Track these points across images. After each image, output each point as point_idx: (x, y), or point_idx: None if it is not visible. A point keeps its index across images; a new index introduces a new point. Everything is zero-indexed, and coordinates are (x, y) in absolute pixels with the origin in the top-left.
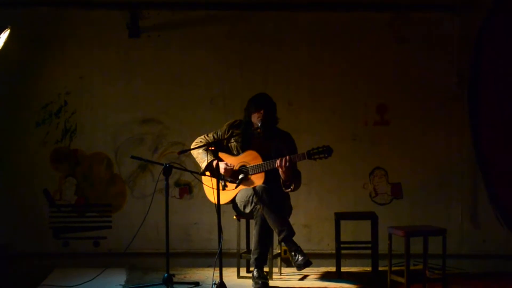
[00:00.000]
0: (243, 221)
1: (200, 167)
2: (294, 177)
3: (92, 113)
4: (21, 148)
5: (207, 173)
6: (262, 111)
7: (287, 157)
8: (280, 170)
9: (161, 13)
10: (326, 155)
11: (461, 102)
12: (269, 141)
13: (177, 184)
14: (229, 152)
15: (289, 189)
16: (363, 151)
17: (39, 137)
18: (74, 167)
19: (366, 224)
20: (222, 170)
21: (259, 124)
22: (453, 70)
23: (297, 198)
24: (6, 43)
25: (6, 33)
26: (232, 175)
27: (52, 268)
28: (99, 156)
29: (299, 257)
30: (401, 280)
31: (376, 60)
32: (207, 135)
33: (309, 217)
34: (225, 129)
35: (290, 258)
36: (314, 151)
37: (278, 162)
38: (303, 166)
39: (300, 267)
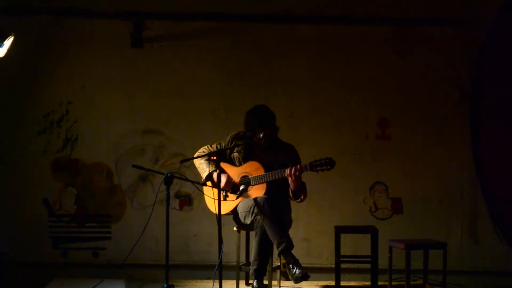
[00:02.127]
0: (243, 233)
1: (201, 177)
2: (303, 186)
3: (94, 122)
4: (21, 156)
5: (208, 183)
6: (267, 129)
7: (298, 166)
8: (290, 179)
9: (164, 24)
10: (328, 167)
11: (462, 118)
12: (272, 152)
13: (177, 195)
14: (232, 163)
15: (299, 200)
16: (363, 165)
17: (40, 146)
18: (74, 176)
19: (366, 239)
20: (222, 184)
21: (261, 135)
22: (455, 85)
23: (297, 211)
24: (9, 50)
25: (9, 41)
26: (232, 188)
27: (50, 278)
28: (99, 166)
29: (297, 270)
30: None
31: (378, 74)
32: (211, 146)
33: (309, 230)
34: (229, 140)
35: (288, 271)
36: (317, 162)
37: (288, 171)
38: (304, 179)
39: (297, 279)
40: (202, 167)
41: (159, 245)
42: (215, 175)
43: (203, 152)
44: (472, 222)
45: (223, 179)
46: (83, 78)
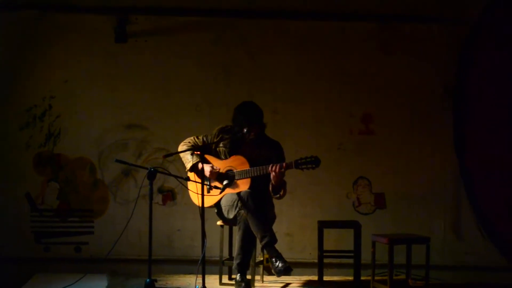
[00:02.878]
0: (226, 227)
1: (185, 168)
2: (283, 183)
3: (77, 117)
4: (3, 151)
5: (192, 175)
6: (256, 126)
7: (283, 164)
8: (272, 174)
9: (148, 19)
10: (314, 165)
11: (446, 114)
12: (258, 148)
13: (160, 190)
14: (217, 156)
15: (278, 195)
16: (347, 161)
17: (22, 141)
18: (57, 171)
19: (349, 234)
20: (207, 173)
21: (245, 130)
22: (439, 81)
23: (280, 206)
24: None
25: None
26: (217, 178)
27: (33, 273)
28: (82, 161)
29: (280, 264)
30: None
31: (362, 69)
32: (197, 137)
33: (292, 225)
34: (215, 133)
35: (271, 265)
36: (302, 161)
37: (271, 167)
38: (287, 174)
39: (280, 273)
40: (187, 157)
41: (142, 240)
42: (199, 165)
43: (189, 142)
44: (455, 217)
45: (207, 168)
46: (66, 73)
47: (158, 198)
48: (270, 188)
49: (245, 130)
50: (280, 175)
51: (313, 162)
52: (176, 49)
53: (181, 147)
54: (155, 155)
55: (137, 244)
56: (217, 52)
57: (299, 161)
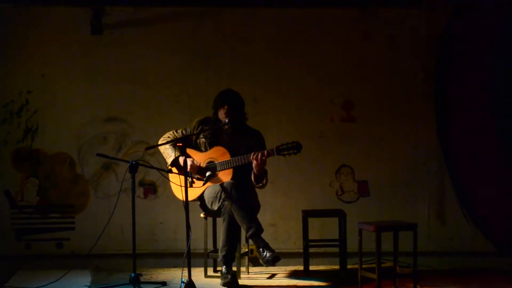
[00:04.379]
0: (210, 220)
1: (166, 163)
2: (264, 172)
3: (54, 112)
4: None
5: (174, 169)
6: (226, 107)
7: (265, 151)
8: (254, 163)
9: (124, 10)
10: (295, 151)
11: (428, 99)
12: (238, 137)
13: (141, 183)
14: (198, 148)
15: (260, 184)
16: (329, 149)
17: None
18: (36, 167)
19: (333, 222)
20: (188, 168)
21: (226, 121)
22: (420, 66)
23: (263, 196)
24: None
25: None
26: (199, 172)
27: (15, 270)
28: (61, 156)
29: (267, 253)
30: (372, 276)
31: (342, 56)
32: (176, 131)
33: (276, 215)
34: (195, 125)
35: (258, 255)
36: (283, 147)
37: (252, 155)
38: (269, 163)
39: (268, 262)
40: (168, 152)
41: (125, 234)
42: (181, 160)
43: (168, 137)
44: (439, 203)
45: (188, 163)
46: (42, 67)
47: (139, 191)
48: (252, 178)
49: (219, 114)
50: (262, 163)
51: (294, 148)
52: (153, 40)
53: (160, 143)
54: (135, 148)
55: (119, 238)
56: (195, 42)
57: (280, 147)
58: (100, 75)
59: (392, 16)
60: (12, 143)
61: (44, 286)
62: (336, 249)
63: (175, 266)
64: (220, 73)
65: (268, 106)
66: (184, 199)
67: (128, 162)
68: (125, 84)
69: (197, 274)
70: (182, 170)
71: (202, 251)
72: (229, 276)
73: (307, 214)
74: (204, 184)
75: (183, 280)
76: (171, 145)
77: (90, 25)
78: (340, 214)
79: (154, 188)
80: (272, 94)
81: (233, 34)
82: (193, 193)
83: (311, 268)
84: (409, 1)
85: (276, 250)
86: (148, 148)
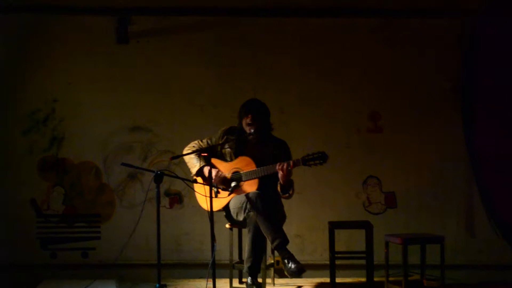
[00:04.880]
0: (235, 230)
1: (190, 173)
2: (291, 182)
3: (80, 121)
4: (7, 157)
5: (199, 179)
6: (250, 116)
7: (290, 161)
8: (280, 173)
9: (150, 19)
10: (321, 161)
11: (455, 109)
12: (263, 147)
13: (167, 193)
14: (223, 158)
15: (287, 194)
16: (355, 160)
17: (26, 146)
18: (62, 176)
19: (360, 234)
20: (213, 178)
21: (251, 130)
22: (447, 76)
23: (289, 207)
24: None
25: None
26: (224, 183)
27: (39, 280)
28: (87, 165)
29: (292, 265)
30: None
31: (368, 66)
32: (201, 141)
33: (302, 226)
34: (220, 135)
35: (283, 266)
36: (310, 157)
37: (278, 165)
38: (296, 174)
39: (293, 274)
40: (192, 162)
41: (150, 244)
42: (205, 170)
43: (193, 147)
44: (468, 215)
45: (213, 173)
46: (68, 76)
47: (165, 201)
48: (279, 188)
49: (243, 124)
50: (288, 174)
51: (320, 158)
52: (179, 49)
53: (185, 152)
54: (160, 158)
55: (144, 248)
56: (220, 51)
57: (306, 158)
58: (126, 84)
59: (418, 26)
60: (38, 152)
61: None
62: (363, 261)
63: (201, 277)
64: (245, 83)
65: (294, 116)
66: (209, 209)
67: (153, 172)
68: (151, 93)
69: (223, 285)
70: (207, 180)
71: (228, 262)
72: None
73: (333, 226)
74: (229, 195)
75: None
76: (196, 154)
77: (116, 34)
78: (367, 226)
79: (180, 198)
80: (298, 104)
81: (258, 43)
82: (219, 204)
83: (338, 280)
84: (434, 10)
85: (302, 262)
86: (173, 158)
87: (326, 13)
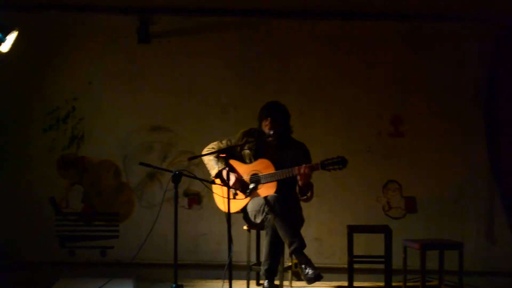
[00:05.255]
0: (253, 232)
1: (209, 174)
2: (310, 185)
3: (100, 119)
4: (27, 154)
5: (217, 181)
6: (269, 119)
7: (309, 165)
8: (298, 177)
9: (171, 19)
10: (340, 166)
11: (478, 115)
12: (283, 150)
13: (186, 194)
14: (242, 160)
15: (305, 197)
16: (376, 164)
17: (45, 144)
18: (81, 174)
19: (379, 238)
20: (231, 182)
21: (271, 133)
22: (470, 82)
23: (308, 210)
24: (13, 46)
25: (13, 36)
26: (242, 187)
27: (57, 277)
28: (107, 163)
29: (309, 271)
30: None
31: (391, 70)
32: (221, 142)
33: (321, 230)
34: (239, 137)
35: (300, 271)
36: (328, 161)
37: (298, 169)
38: (315, 177)
39: (310, 280)
40: (211, 164)
41: (168, 244)
42: (224, 172)
43: (213, 148)
44: (488, 222)
45: (232, 178)
46: (89, 74)
47: (184, 201)
48: (297, 190)
49: (262, 126)
50: (306, 177)
51: (339, 163)
52: (200, 50)
53: (204, 153)
54: (180, 158)
55: (163, 248)
56: (242, 53)
57: (325, 162)
58: (146, 83)
59: (442, 30)
60: (57, 150)
61: None
62: (381, 266)
63: (218, 278)
64: (267, 85)
65: (315, 119)
66: (227, 211)
67: (171, 172)
68: (171, 94)
69: (239, 287)
70: (225, 182)
71: (245, 263)
72: None
73: (352, 230)
74: (247, 197)
75: None
76: (215, 156)
77: (137, 34)
78: (386, 230)
79: (199, 199)
80: (319, 107)
81: (281, 45)
82: (237, 205)
83: (355, 284)
84: (459, 16)
85: (321, 265)
86: (191, 158)
87: (351, 16)
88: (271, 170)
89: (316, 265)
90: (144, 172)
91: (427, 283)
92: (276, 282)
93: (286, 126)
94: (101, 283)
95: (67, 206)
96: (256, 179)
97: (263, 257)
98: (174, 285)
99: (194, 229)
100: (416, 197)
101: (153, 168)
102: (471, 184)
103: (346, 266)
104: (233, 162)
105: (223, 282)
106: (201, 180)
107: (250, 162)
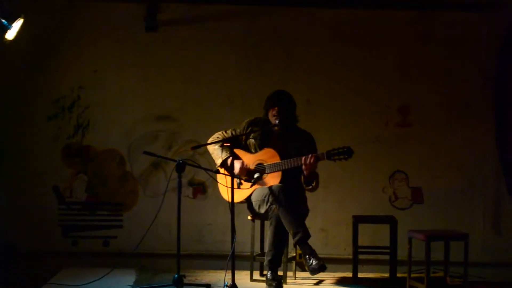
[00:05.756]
0: (257, 222)
1: (215, 164)
2: (315, 175)
3: (106, 108)
4: (31, 142)
5: (222, 170)
6: (276, 108)
7: (314, 155)
8: (303, 166)
9: (179, 7)
10: (346, 156)
11: (486, 105)
12: (288, 139)
13: (190, 183)
14: (247, 149)
15: (310, 187)
16: (383, 154)
17: (50, 132)
18: (86, 163)
19: (385, 229)
20: (237, 170)
21: (277, 122)
22: (479, 71)
23: (314, 200)
24: (19, 33)
25: (19, 22)
26: (247, 174)
27: (60, 267)
28: (111, 153)
29: (313, 261)
30: (421, 286)
31: (399, 59)
32: (226, 131)
33: (326, 220)
34: (244, 126)
35: (304, 262)
36: (334, 151)
37: (304, 159)
38: (321, 167)
39: (314, 271)
40: (216, 153)
41: (172, 234)
42: (229, 161)
43: (218, 137)
44: (495, 213)
45: (237, 165)
46: (95, 63)
47: (188, 191)
48: (302, 179)
49: (269, 115)
50: (311, 167)
51: (345, 153)
52: (208, 38)
53: (209, 142)
54: (185, 147)
55: (167, 238)
56: (249, 41)
57: (331, 152)
58: (153, 72)
59: (451, 19)
60: (62, 139)
61: (87, 284)
62: (386, 257)
63: (222, 268)
64: (274, 74)
65: (322, 108)
66: (230, 201)
67: (175, 161)
68: (178, 82)
69: (243, 277)
70: (230, 172)
71: (249, 253)
72: (274, 284)
73: (357, 220)
74: (251, 186)
75: (226, 283)
76: (220, 145)
77: (144, 22)
78: (391, 221)
79: (204, 188)
80: (326, 96)
81: (289, 34)
82: (241, 195)
83: (360, 275)
84: (469, 5)
85: (326, 256)
86: (194, 148)
87: (359, 4)
88: (276, 159)
89: (321, 256)
90: (149, 162)
91: (432, 275)
92: (280, 273)
93: (292, 115)
94: (104, 272)
95: (70, 195)
96: (261, 168)
97: (266, 247)
98: (176, 275)
99: (199, 219)
100: (423, 188)
101: (157, 157)
102: (478, 174)
103: (351, 257)
104: (238, 152)
105: (226, 272)
106: (204, 169)
107: (255, 151)
